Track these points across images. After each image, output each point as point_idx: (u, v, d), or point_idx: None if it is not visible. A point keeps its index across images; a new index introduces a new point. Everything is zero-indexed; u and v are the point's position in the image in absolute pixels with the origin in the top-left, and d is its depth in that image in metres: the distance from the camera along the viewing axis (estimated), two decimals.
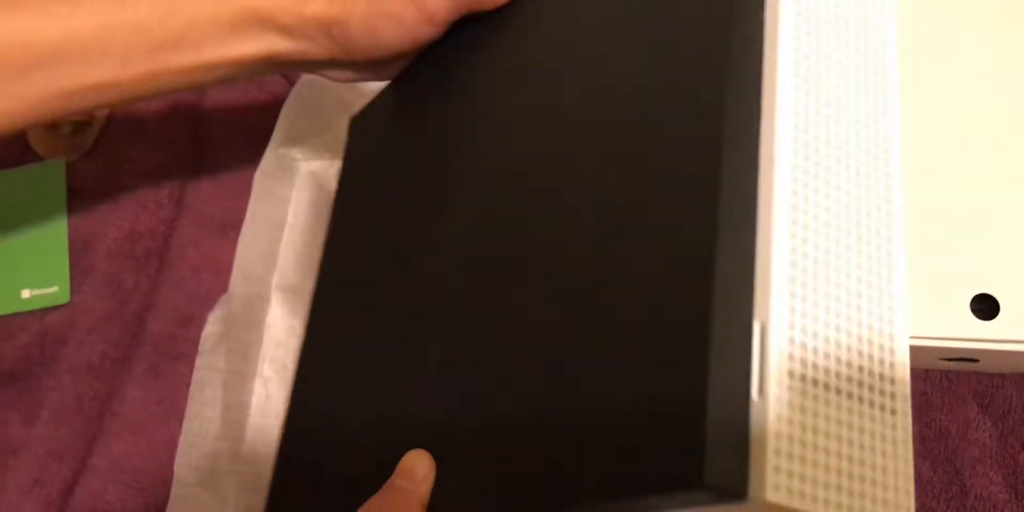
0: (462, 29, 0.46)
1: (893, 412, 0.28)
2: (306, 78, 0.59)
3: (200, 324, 0.59)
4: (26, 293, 0.63)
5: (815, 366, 0.26)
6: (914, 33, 0.54)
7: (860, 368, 0.28)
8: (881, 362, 0.28)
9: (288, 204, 0.61)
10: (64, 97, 0.42)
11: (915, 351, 0.49)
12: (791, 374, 0.25)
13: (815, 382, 0.26)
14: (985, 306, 0.48)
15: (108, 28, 0.41)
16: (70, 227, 0.64)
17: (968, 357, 0.50)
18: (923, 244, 0.49)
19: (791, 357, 0.26)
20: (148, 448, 0.57)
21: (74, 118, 0.64)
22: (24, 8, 0.40)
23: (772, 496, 0.23)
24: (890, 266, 0.32)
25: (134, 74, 0.43)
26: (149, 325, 0.59)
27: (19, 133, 0.65)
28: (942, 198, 0.50)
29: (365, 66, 0.47)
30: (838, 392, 0.26)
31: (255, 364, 0.58)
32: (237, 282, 0.57)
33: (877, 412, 0.27)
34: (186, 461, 0.56)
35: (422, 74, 0.49)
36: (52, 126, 0.65)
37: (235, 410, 0.57)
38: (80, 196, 0.65)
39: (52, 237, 0.64)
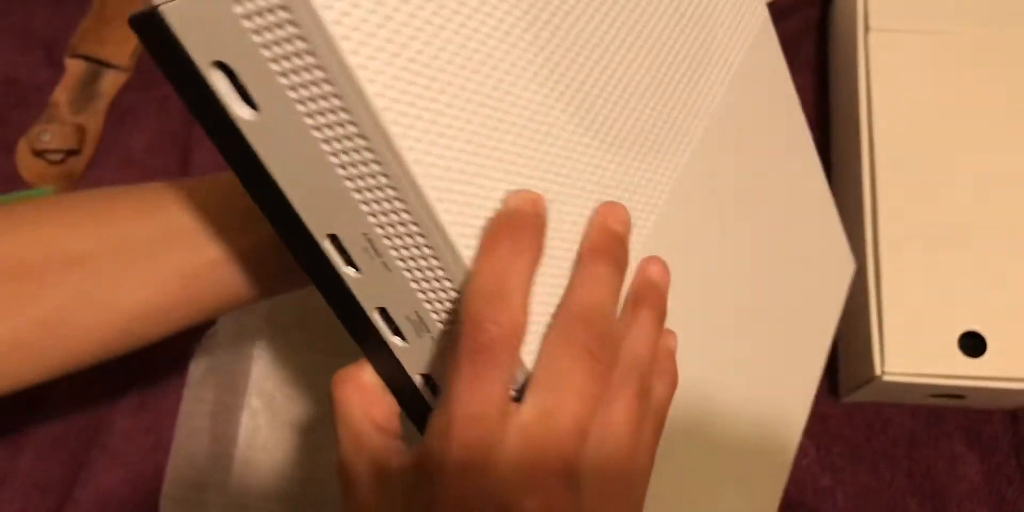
0: None
1: None
2: None
3: (188, 355, 0.59)
4: None
5: None
6: (896, 82, 0.56)
7: None
8: None
9: None
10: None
11: (904, 388, 0.50)
12: None
13: None
14: (972, 343, 0.49)
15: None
16: None
17: (956, 394, 0.51)
18: (912, 284, 0.50)
19: None
20: (134, 480, 0.56)
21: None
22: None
23: None
24: None
25: None
26: (137, 355, 0.59)
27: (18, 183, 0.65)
28: (929, 239, 0.51)
29: None
30: None
31: (243, 396, 0.58)
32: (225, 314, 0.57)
33: None
34: (173, 493, 0.56)
35: None
36: (40, 152, 0.65)
37: (223, 442, 0.57)
38: None
39: None
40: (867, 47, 0.57)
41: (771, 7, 0.61)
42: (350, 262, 0.32)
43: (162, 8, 0.29)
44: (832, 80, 0.64)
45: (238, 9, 0.27)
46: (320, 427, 0.58)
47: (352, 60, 0.26)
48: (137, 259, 0.39)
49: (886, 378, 0.48)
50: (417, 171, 0.27)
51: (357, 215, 0.30)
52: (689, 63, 0.38)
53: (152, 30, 0.29)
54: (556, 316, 0.32)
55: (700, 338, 0.39)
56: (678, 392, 0.35)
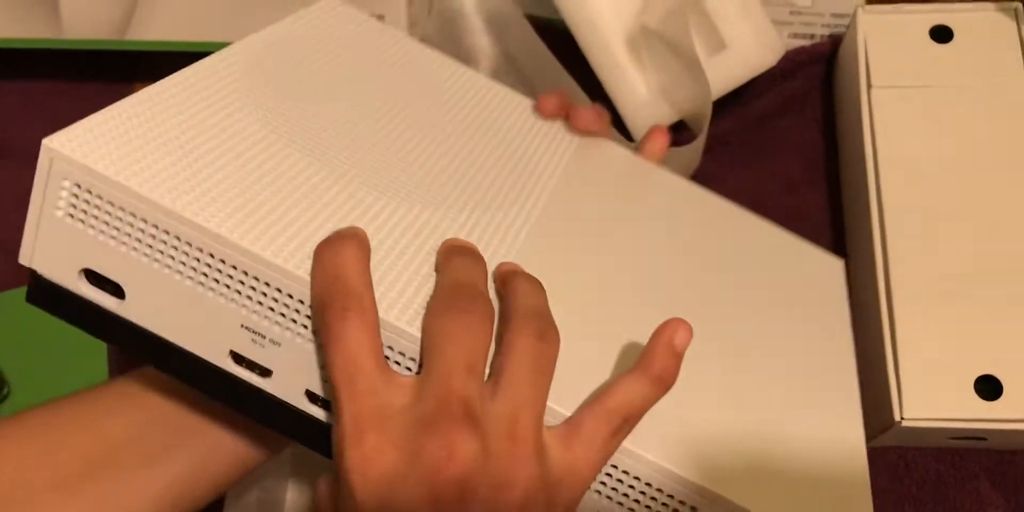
0: None
1: None
2: None
3: None
4: None
5: None
6: (902, 136, 0.58)
7: None
8: None
9: None
10: None
11: (925, 432, 0.51)
12: None
13: None
14: (989, 387, 0.50)
15: None
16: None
17: (977, 436, 0.52)
18: (926, 331, 0.52)
19: None
20: None
21: None
22: None
23: None
24: None
25: None
26: None
27: None
28: (941, 288, 0.53)
29: None
30: None
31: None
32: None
33: None
34: None
35: None
36: None
37: None
38: None
39: (92, 344, 0.65)
40: (870, 103, 0.59)
41: (777, 66, 0.64)
42: (257, 367, 0.36)
43: (34, 266, 0.37)
44: (839, 135, 0.66)
45: (60, 213, 0.35)
46: None
47: (171, 204, 0.33)
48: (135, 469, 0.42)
49: (906, 423, 0.50)
50: (234, 237, 0.34)
51: (230, 312, 0.35)
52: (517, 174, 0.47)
53: (44, 292, 0.38)
54: (431, 297, 0.35)
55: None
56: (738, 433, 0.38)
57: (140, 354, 0.37)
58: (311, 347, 0.35)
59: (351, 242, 0.34)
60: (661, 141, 0.55)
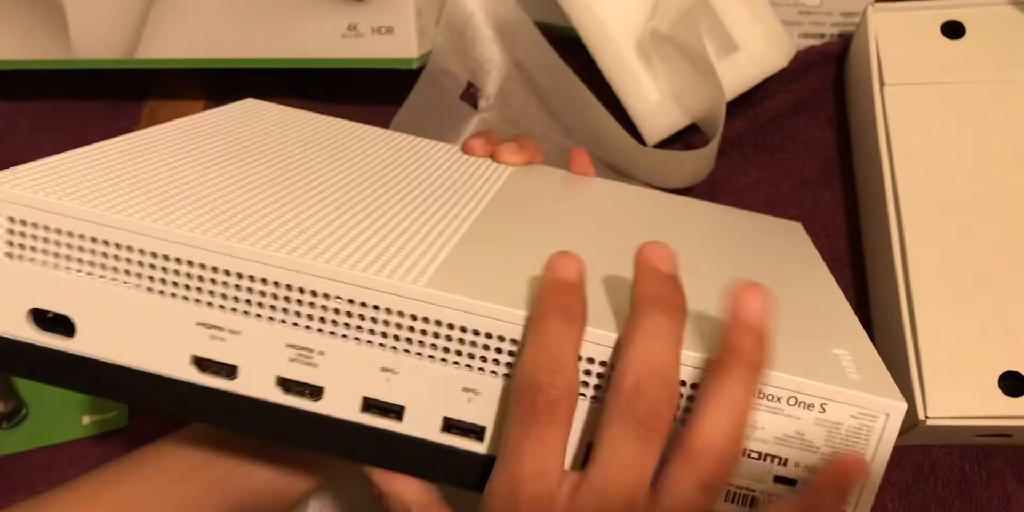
0: None
1: None
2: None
3: None
4: (86, 419, 0.65)
5: None
6: (916, 133, 0.57)
7: None
8: None
9: None
10: None
11: (950, 430, 0.51)
12: None
13: None
14: (1013, 383, 0.50)
15: None
16: None
17: (1001, 433, 0.52)
18: (947, 330, 0.52)
19: None
20: None
21: None
22: None
23: None
24: None
25: None
26: None
27: None
28: (961, 285, 0.53)
29: None
30: None
31: None
32: None
33: None
34: None
35: None
36: None
37: None
38: None
39: None
40: (883, 101, 0.59)
41: (788, 66, 0.64)
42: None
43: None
44: (853, 134, 0.66)
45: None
46: None
47: (102, 213, 0.34)
48: None
49: (930, 422, 0.50)
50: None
51: (188, 313, 0.36)
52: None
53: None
54: (613, 381, 0.32)
55: None
56: None
57: (103, 391, 0.37)
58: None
59: (578, 315, 0.33)
60: (582, 157, 0.58)
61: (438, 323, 0.34)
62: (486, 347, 0.34)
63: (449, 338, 0.34)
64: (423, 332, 0.34)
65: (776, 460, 0.35)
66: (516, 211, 0.46)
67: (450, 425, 0.35)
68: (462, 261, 0.37)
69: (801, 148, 0.67)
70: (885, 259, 0.56)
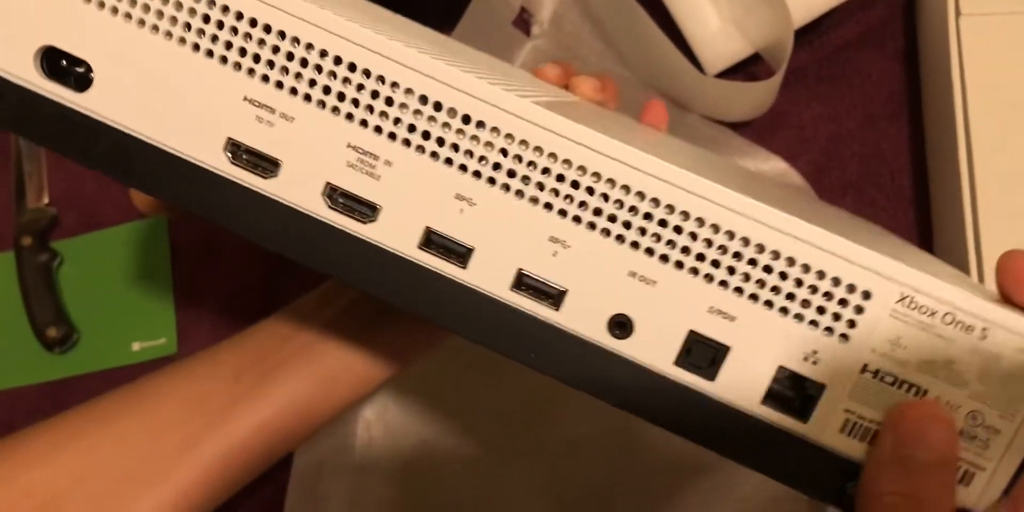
0: None
1: None
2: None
3: None
4: (136, 345, 0.65)
5: None
6: (991, 67, 0.55)
7: None
8: None
9: None
10: None
11: None
12: None
13: None
14: None
15: None
16: (175, 281, 0.66)
17: None
18: None
19: None
20: (251, 499, 0.59)
21: None
22: None
23: None
24: None
25: None
26: None
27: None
28: None
29: None
30: None
31: (356, 408, 0.60)
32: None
33: None
34: (299, 470, 0.59)
35: None
36: None
37: (340, 454, 0.59)
38: (184, 251, 0.67)
39: (159, 291, 0.66)
40: (959, 32, 0.56)
41: None
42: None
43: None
44: (923, 67, 0.63)
45: None
46: (432, 439, 0.59)
47: None
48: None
49: None
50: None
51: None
52: None
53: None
54: None
55: None
56: None
57: (104, 164, 0.31)
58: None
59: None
60: (659, 110, 0.53)
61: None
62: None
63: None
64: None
65: (913, 389, 0.29)
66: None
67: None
68: None
69: (867, 81, 0.64)
70: (953, 201, 0.53)
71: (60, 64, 0.30)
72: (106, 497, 0.40)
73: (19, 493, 0.39)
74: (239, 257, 0.66)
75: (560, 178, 0.29)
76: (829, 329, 0.29)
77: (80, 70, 0.30)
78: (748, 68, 0.64)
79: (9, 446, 0.41)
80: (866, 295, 0.28)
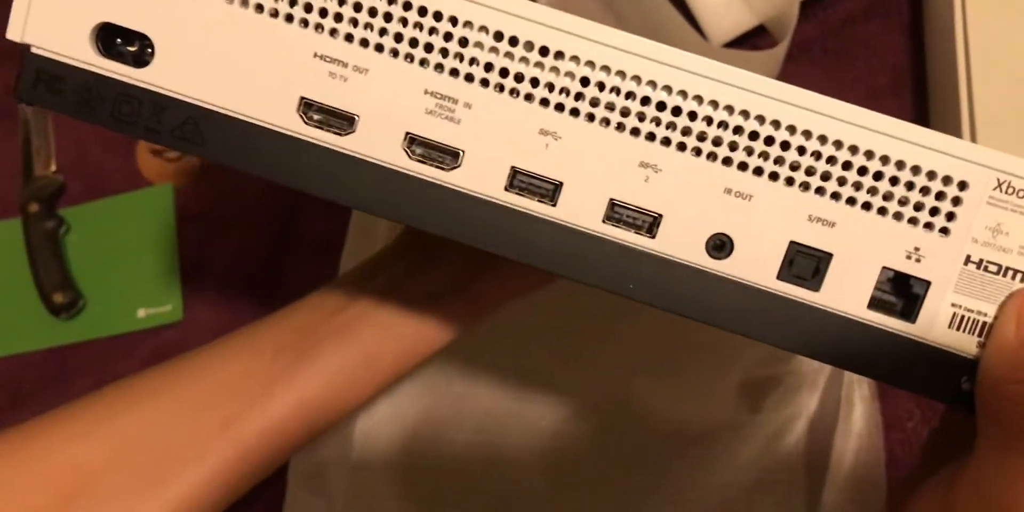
0: None
1: None
2: None
3: None
4: (142, 312, 0.66)
5: None
6: (996, 42, 0.55)
7: None
8: None
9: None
10: None
11: None
12: None
13: None
14: None
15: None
16: (181, 248, 0.67)
17: None
18: None
19: None
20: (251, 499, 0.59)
21: None
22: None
23: None
24: None
25: None
26: None
27: (131, 162, 0.68)
28: None
29: None
30: None
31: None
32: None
33: None
34: (298, 468, 0.59)
35: None
36: (157, 151, 0.68)
37: (339, 451, 0.59)
38: (190, 219, 0.68)
39: (164, 258, 0.67)
40: (964, 5, 0.56)
41: None
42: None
43: (28, 40, 0.30)
44: (928, 41, 0.63)
45: None
46: (435, 408, 0.59)
47: None
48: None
49: None
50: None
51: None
52: None
53: (41, 77, 0.30)
54: None
55: None
56: None
57: (172, 138, 0.30)
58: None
59: None
60: None
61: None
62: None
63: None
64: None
65: (1019, 275, 0.28)
66: None
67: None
68: None
69: (872, 55, 0.64)
70: None
71: (115, 41, 0.30)
72: (144, 474, 0.40)
73: (58, 470, 0.39)
74: (244, 224, 0.67)
75: (645, 101, 0.29)
76: (929, 224, 0.29)
77: (135, 47, 0.30)
78: (752, 40, 0.64)
79: (48, 422, 0.41)
80: (962, 185, 0.28)
